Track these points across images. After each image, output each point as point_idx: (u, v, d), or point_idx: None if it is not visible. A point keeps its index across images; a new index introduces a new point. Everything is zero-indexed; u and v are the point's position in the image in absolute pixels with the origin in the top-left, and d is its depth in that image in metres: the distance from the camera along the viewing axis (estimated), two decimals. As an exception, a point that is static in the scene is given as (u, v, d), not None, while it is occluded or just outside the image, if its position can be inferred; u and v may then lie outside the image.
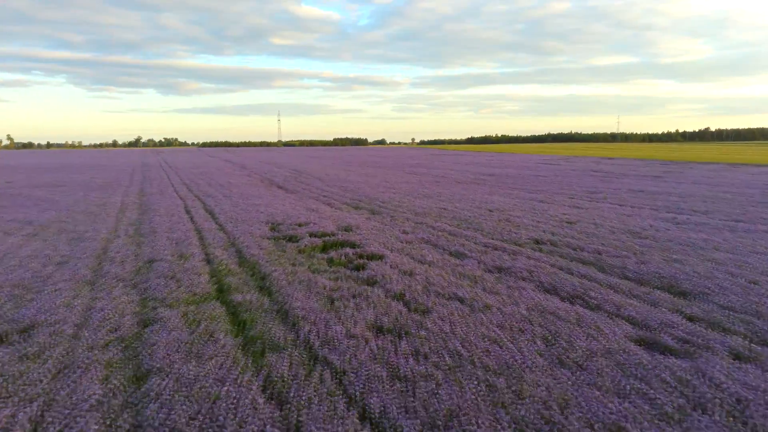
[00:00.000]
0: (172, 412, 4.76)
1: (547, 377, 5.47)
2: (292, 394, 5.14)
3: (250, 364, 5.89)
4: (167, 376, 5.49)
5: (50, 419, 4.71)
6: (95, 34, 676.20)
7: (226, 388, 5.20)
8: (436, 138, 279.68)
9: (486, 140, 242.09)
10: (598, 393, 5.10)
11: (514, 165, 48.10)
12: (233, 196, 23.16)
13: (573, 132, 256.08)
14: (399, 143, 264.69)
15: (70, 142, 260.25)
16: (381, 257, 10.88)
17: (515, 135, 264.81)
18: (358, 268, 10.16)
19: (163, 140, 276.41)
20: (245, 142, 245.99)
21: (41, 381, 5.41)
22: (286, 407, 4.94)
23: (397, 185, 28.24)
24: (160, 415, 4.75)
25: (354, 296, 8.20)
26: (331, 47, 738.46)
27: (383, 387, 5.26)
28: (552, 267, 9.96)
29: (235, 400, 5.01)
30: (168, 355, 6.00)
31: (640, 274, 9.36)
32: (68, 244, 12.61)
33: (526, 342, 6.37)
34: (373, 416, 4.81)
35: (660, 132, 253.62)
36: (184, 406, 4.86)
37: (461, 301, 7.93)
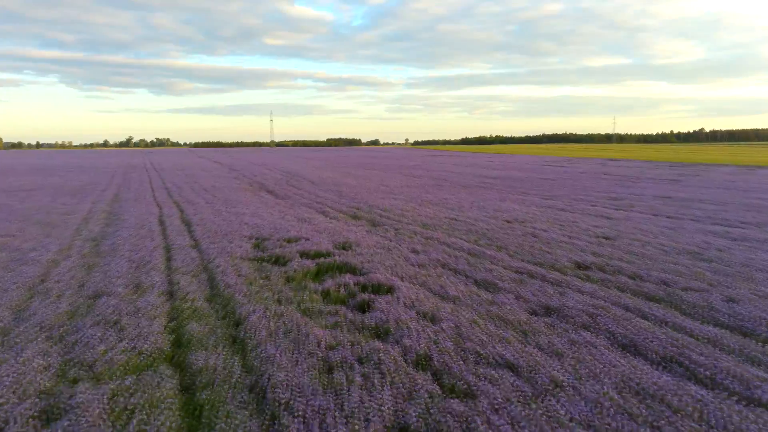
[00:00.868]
0: None
1: None
2: None
3: None
4: None
5: None
6: (87, 33, 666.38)
7: None
8: (430, 138, 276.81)
9: (481, 141, 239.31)
10: None
11: (516, 167, 45.88)
12: (216, 203, 20.75)
13: (568, 133, 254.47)
14: (393, 144, 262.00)
15: (60, 142, 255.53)
16: (390, 290, 8.57)
17: (509, 136, 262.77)
18: (362, 308, 7.84)
19: (155, 140, 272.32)
20: (238, 143, 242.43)
21: None
22: None
23: (397, 189, 25.93)
24: None
25: (360, 360, 5.87)
26: (324, 47, 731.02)
27: None
28: (615, 306, 7.64)
29: None
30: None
31: (738, 318, 7.08)
32: (0, 269, 10.18)
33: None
34: None
35: (654, 133, 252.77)
36: None
37: (514, 370, 5.62)
